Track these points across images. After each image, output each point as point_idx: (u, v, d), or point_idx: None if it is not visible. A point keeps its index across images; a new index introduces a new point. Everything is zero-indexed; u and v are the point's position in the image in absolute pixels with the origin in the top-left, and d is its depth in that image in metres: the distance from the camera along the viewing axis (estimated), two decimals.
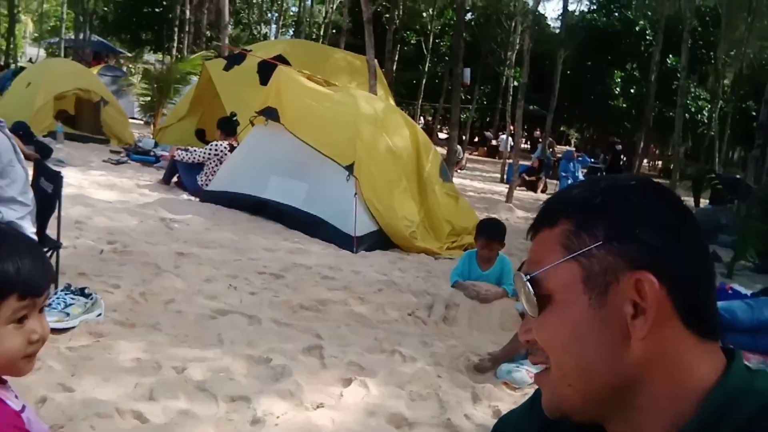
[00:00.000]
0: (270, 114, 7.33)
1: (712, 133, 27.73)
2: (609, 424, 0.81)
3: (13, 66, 23.16)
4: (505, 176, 17.61)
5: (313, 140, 6.85)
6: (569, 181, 16.56)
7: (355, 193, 6.51)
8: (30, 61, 26.73)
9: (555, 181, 17.77)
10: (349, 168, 6.59)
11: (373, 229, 6.66)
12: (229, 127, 8.46)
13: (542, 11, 30.19)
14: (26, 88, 11.73)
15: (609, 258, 0.76)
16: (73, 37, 27.59)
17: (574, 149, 21.26)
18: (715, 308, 0.80)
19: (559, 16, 20.21)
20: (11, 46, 29.32)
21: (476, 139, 36.30)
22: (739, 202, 8.63)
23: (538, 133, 36.54)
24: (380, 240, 6.73)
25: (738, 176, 12.44)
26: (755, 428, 0.71)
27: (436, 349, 4.06)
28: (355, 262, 6.06)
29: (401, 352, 3.89)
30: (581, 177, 17.22)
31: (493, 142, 30.66)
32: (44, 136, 10.48)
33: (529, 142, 36.22)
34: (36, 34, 37.94)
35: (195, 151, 8.25)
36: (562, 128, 43.11)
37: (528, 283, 0.81)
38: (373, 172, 6.73)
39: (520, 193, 15.38)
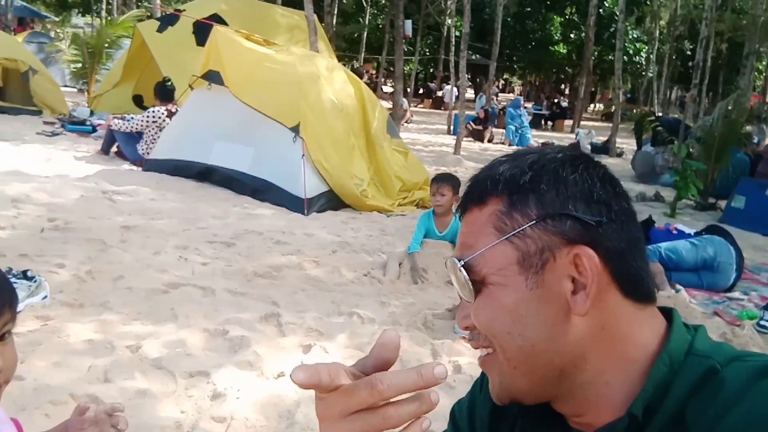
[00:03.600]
0: (213, 77, 7.10)
1: (651, 75, 28.29)
2: (557, 403, 0.81)
3: None
4: (451, 127, 17.65)
5: (256, 102, 6.68)
6: (512, 129, 16.73)
7: (303, 155, 6.41)
8: None
9: (501, 130, 17.90)
10: (295, 129, 6.47)
11: (323, 189, 6.59)
12: (164, 92, 8.16)
13: None
14: None
15: (544, 236, 0.75)
16: None
17: (522, 97, 21.38)
18: (649, 272, 0.80)
19: None
20: None
21: (421, 91, 36.19)
22: (679, 142, 8.84)
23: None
24: (331, 200, 6.67)
25: (677, 117, 12.74)
26: (701, 395, 0.70)
27: (393, 309, 4.07)
28: (307, 224, 6.00)
29: (359, 313, 3.89)
30: (527, 125, 17.39)
31: (438, 94, 30.61)
32: None
33: (474, 92, 36.30)
34: None
35: (132, 118, 7.97)
36: (505, 76, 43.33)
37: (462, 269, 0.78)
38: (319, 132, 6.62)
39: (468, 144, 15.46)
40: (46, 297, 3.54)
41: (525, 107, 18.18)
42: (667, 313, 0.81)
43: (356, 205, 6.81)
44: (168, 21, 11.04)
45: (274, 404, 2.80)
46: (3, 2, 23.65)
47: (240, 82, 6.86)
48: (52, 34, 23.03)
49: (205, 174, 7.06)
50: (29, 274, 3.56)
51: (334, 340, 3.50)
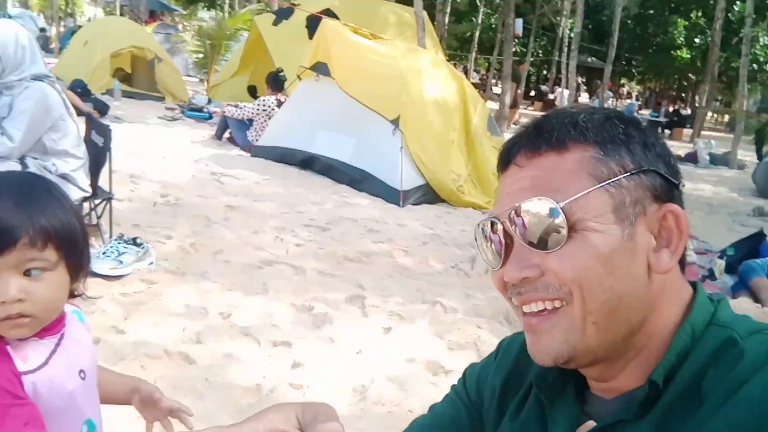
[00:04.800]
0: (321, 69, 7.37)
1: None
2: (598, 366, 0.79)
3: (72, 25, 23.69)
4: None
5: (359, 94, 6.86)
6: None
7: (401, 147, 6.52)
8: (88, 20, 27.35)
9: None
10: (395, 122, 6.59)
11: (420, 183, 6.67)
12: (276, 82, 8.53)
13: None
14: (83, 47, 12.04)
15: (639, 189, 0.75)
16: None
17: (637, 103, 20.58)
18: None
19: None
20: (69, 6, 30.04)
21: (532, 93, 35.57)
22: None
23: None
24: (427, 194, 6.74)
25: None
26: (717, 363, 0.71)
27: (477, 301, 4.09)
28: (401, 215, 6.10)
29: (442, 303, 3.94)
30: None
31: (550, 96, 29.99)
32: (102, 94, 10.77)
33: (589, 96, 35.24)
34: None
35: (244, 106, 8.37)
36: (622, 81, 41.78)
37: (561, 210, 0.73)
38: (419, 126, 6.71)
39: None
40: (152, 263, 3.83)
41: (639, 113, 17.48)
42: (692, 284, 0.82)
43: (452, 200, 6.85)
44: (283, 14, 11.47)
45: (349, 378, 2.91)
46: None
47: (345, 73, 7.06)
48: (180, 27, 24.36)
49: (307, 162, 7.32)
50: (138, 241, 3.85)
51: (413, 325, 3.57)
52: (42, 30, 22.08)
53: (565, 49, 18.88)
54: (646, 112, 27.63)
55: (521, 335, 0.86)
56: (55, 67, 12.99)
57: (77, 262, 1.10)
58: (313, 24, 10.23)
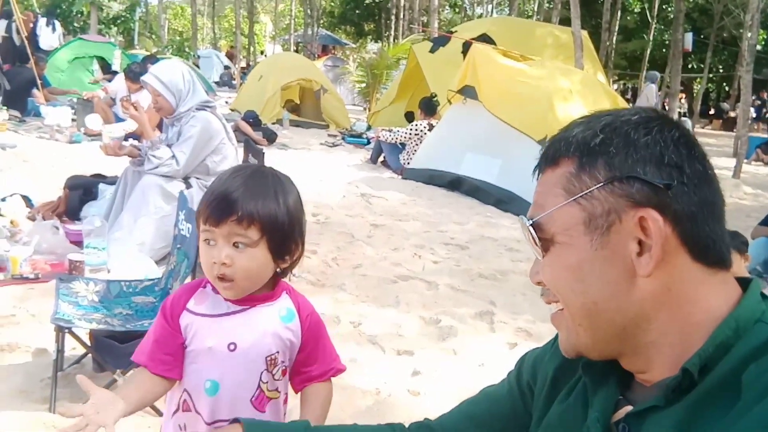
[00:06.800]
0: (468, 92, 7.51)
1: None
2: (623, 360, 0.84)
3: (252, 63, 25.81)
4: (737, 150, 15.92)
5: (506, 116, 6.90)
6: None
7: None
8: (262, 53, 29.70)
9: None
10: (542, 142, 6.52)
11: None
12: (429, 106, 8.79)
13: None
14: (258, 81, 13.13)
15: (611, 198, 0.77)
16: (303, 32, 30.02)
17: None
18: (725, 238, 0.79)
19: None
20: (251, 45, 32.80)
21: (711, 112, 33.12)
22: None
23: None
24: None
25: None
26: (762, 360, 0.70)
27: None
28: None
29: None
30: None
31: (731, 114, 27.76)
32: (273, 123, 11.66)
33: None
34: (274, 33, 41.91)
35: (398, 131, 8.70)
36: None
37: (531, 228, 0.83)
38: None
39: (757, 169, 13.89)
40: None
41: None
42: (745, 283, 0.81)
43: None
44: (440, 42, 11.75)
45: (467, 388, 2.95)
46: (310, 32, 27.09)
47: (492, 96, 7.14)
48: (351, 59, 25.70)
49: (455, 183, 7.45)
50: None
51: (541, 342, 3.52)
52: (226, 68, 24.27)
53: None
54: None
55: None
56: (234, 100, 14.31)
57: (279, 246, 1.34)
58: (468, 49, 10.42)
